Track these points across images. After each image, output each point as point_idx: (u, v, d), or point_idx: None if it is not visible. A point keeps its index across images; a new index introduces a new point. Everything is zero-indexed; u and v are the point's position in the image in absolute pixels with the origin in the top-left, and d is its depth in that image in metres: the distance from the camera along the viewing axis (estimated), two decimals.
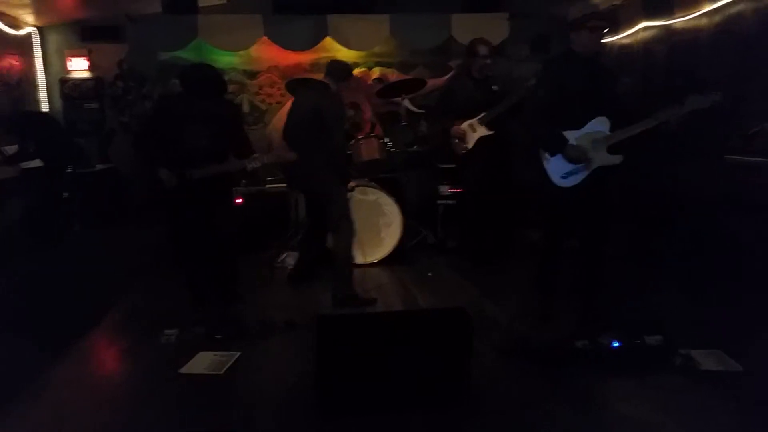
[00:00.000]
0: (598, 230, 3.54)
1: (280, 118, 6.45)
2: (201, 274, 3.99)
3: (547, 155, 3.49)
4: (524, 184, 4.86)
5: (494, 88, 4.88)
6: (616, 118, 3.40)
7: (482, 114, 4.79)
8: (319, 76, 5.89)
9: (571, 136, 3.40)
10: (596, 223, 3.53)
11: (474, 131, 4.84)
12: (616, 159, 3.39)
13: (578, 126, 3.41)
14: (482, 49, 4.79)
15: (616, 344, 3.06)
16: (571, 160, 3.39)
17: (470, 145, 4.84)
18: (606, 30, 3.37)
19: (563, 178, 3.44)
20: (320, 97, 4.18)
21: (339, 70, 4.33)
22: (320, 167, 4.07)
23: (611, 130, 3.39)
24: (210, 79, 3.79)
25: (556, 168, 3.46)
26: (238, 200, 5.25)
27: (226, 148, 3.82)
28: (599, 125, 3.39)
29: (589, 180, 3.41)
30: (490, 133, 4.76)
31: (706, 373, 2.88)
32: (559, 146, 3.40)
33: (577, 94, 3.37)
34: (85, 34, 6.48)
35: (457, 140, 4.90)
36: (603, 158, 3.38)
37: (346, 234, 4.15)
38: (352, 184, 4.58)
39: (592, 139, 3.38)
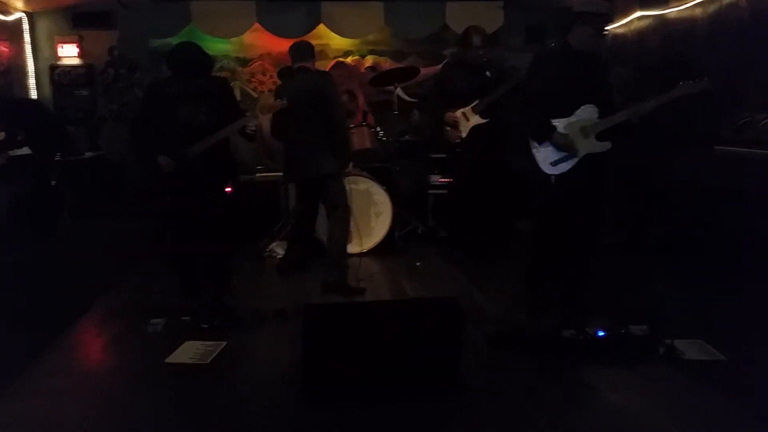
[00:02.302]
0: (589, 217, 3.54)
1: None
2: (193, 263, 3.98)
3: (535, 144, 3.51)
4: (516, 174, 4.86)
5: (488, 74, 4.85)
6: (605, 106, 3.40)
7: (476, 102, 4.76)
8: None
9: (560, 124, 3.42)
10: (587, 210, 3.52)
11: (467, 120, 4.81)
12: (605, 146, 3.40)
13: (567, 115, 3.43)
14: (476, 39, 4.74)
15: (601, 334, 3.06)
16: (558, 148, 3.41)
17: (464, 133, 4.82)
18: (602, 28, 3.41)
19: (552, 165, 3.46)
20: (309, 80, 4.11)
21: (304, 50, 4.24)
22: (320, 150, 4.03)
23: (600, 117, 3.40)
24: (195, 57, 3.76)
25: (544, 156, 3.48)
26: (228, 189, 5.21)
27: (222, 122, 3.79)
28: (587, 113, 3.41)
29: (578, 167, 3.42)
30: (484, 121, 4.73)
31: (690, 362, 2.89)
32: (546, 134, 3.42)
33: (568, 86, 3.40)
34: (76, 20, 6.43)
35: (450, 128, 4.88)
36: (591, 145, 3.39)
37: (343, 221, 4.14)
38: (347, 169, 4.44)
39: (580, 126, 3.40)
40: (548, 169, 3.48)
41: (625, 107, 3.38)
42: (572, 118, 3.41)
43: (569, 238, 3.59)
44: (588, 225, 3.55)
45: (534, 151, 3.52)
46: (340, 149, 4.14)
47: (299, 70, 4.20)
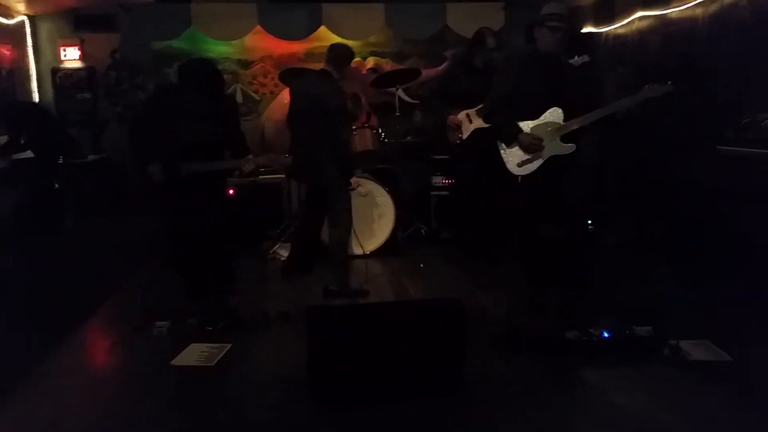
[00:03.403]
0: (560, 216, 3.68)
1: (273, 109, 6.45)
2: (195, 265, 3.98)
3: (503, 145, 3.62)
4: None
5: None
6: (576, 107, 3.47)
7: (480, 105, 4.76)
8: (313, 66, 5.92)
9: (527, 126, 3.52)
10: (556, 209, 3.64)
11: (470, 122, 4.81)
12: (569, 148, 3.50)
13: (536, 117, 3.53)
14: (490, 41, 4.74)
15: (606, 335, 3.07)
16: (524, 149, 3.52)
17: (465, 135, 4.82)
18: (566, 30, 3.46)
19: (519, 166, 3.57)
20: (321, 87, 4.05)
21: (341, 54, 4.17)
22: (323, 160, 3.98)
23: (566, 120, 3.49)
24: (210, 74, 3.71)
25: (512, 157, 3.59)
26: (230, 191, 5.23)
27: (221, 144, 3.79)
28: (553, 116, 3.50)
29: (544, 168, 3.52)
30: (487, 126, 4.73)
31: (696, 363, 2.89)
32: (513, 135, 3.54)
33: (536, 88, 3.50)
34: (78, 23, 6.43)
35: (452, 129, 4.88)
36: (556, 147, 3.50)
37: (344, 228, 4.14)
38: (354, 180, 4.32)
39: (547, 129, 3.50)
40: (515, 170, 3.59)
41: (591, 110, 3.44)
42: (539, 121, 3.51)
43: (560, 240, 3.65)
44: (562, 223, 3.66)
45: (502, 151, 3.63)
46: (342, 162, 4.04)
47: (320, 71, 4.16)
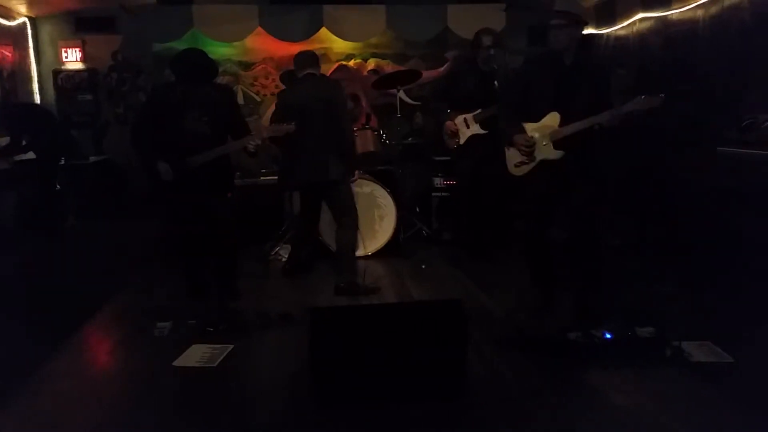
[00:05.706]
0: (554, 221, 3.62)
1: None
2: (198, 266, 3.99)
3: (507, 144, 3.64)
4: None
5: (495, 84, 4.85)
6: (572, 114, 3.36)
7: (479, 111, 4.76)
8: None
9: (528, 128, 3.50)
10: (549, 214, 3.59)
11: (468, 127, 4.81)
12: (558, 154, 3.41)
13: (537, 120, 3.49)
14: (486, 39, 4.73)
15: (608, 336, 3.07)
16: (516, 149, 3.51)
17: (462, 141, 4.83)
18: (569, 27, 3.33)
19: (515, 167, 3.58)
20: (327, 87, 4.17)
21: (312, 58, 4.26)
22: (329, 157, 4.07)
23: (561, 125, 3.40)
24: (200, 63, 3.75)
25: (511, 157, 3.61)
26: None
27: (224, 132, 3.80)
28: (550, 120, 3.45)
29: (538, 171, 3.48)
30: (483, 132, 4.74)
31: (697, 364, 2.89)
32: (511, 136, 3.53)
33: (541, 90, 3.45)
34: (79, 25, 6.46)
35: (448, 136, 4.89)
36: (547, 152, 3.44)
37: (352, 225, 4.20)
38: (354, 177, 4.38)
39: (541, 132, 3.45)
40: (512, 170, 3.62)
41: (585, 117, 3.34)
42: (537, 124, 3.47)
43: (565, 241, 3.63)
44: (567, 227, 3.57)
45: (506, 151, 3.64)
46: (348, 156, 4.20)
47: (307, 76, 4.21)
